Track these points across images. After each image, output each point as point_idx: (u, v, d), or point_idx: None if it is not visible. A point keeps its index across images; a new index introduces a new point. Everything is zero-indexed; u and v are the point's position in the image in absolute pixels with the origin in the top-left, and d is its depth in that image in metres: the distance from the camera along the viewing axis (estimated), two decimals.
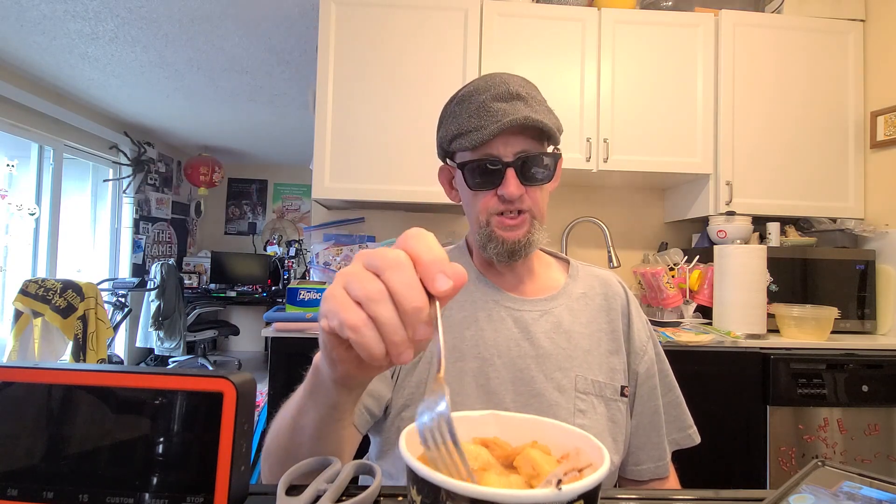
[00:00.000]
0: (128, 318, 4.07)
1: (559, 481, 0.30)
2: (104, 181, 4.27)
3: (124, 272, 4.37)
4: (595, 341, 0.74)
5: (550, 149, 0.73)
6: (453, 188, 0.80)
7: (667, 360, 0.80)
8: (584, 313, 0.76)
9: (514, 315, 0.73)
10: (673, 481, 0.77)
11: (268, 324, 1.65)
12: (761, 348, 1.64)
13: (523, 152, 0.69)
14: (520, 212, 0.71)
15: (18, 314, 2.63)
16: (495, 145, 0.69)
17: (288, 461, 0.49)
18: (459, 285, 0.34)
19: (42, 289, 2.63)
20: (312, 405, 0.48)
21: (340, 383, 0.44)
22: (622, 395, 0.73)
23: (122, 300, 3.97)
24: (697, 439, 0.79)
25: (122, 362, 4.12)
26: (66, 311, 2.65)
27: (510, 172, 0.69)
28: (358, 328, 0.33)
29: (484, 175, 0.70)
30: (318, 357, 0.44)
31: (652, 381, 0.77)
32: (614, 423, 0.71)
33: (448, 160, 0.78)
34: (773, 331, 1.76)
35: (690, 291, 1.97)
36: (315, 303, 1.70)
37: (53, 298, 2.63)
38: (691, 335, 1.65)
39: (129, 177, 4.35)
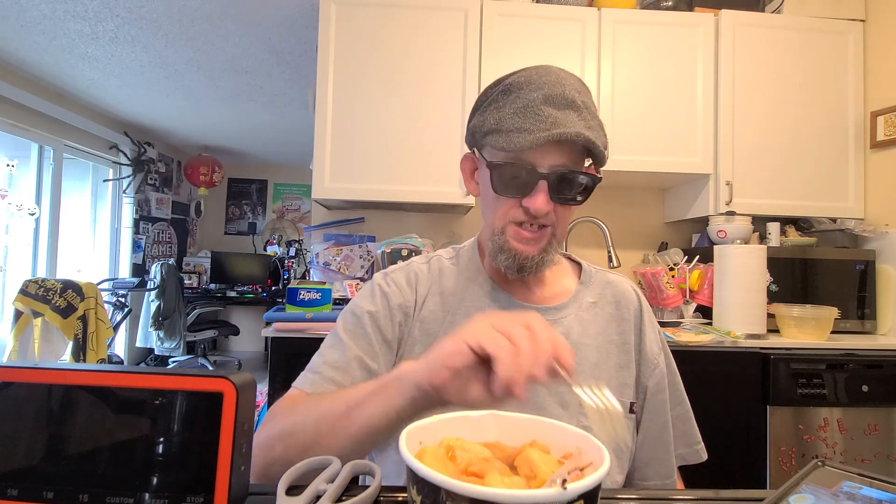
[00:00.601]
0: (128, 318, 4.07)
1: (564, 481, 0.30)
2: (104, 181, 4.27)
3: (124, 272, 4.37)
4: (604, 354, 0.71)
5: (587, 165, 0.68)
6: (473, 180, 0.75)
7: (678, 372, 0.77)
8: (593, 324, 0.73)
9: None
10: None
11: (268, 324, 1.65)
12: (761, 348, 1.64)
13: (561, 167, 0.64)
14: (541, 226, 0.67)
15: (18, 314, 2.63)
16: (533, 153, 0.63)
17: (315, 449, 0.51)
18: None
19: (42, 289, 2.63)
20: (376, 401, 0.50)
21: (420, 388, 0.47)
22: (630, 411, 0.70)
23: (122, 300, 3.97)
24: (705, 456, 0.76)
25: (122, 362, 4.11)
26: (66, 311, 2.65)
27: (542, 186, 0.63)
28: (503, 346, 0.43)
29: (513, 181, 0.65)
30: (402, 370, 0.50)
31: (661, 395, 0.74)
32: (621, 439, 0.68)
33: (476, 151, 0.72)
34: (773, 331, 1.76)
35: (690, 291, 1.97)
36: (315, 303, 1.70)
37: (53, 298, 2.63)
38: (691, 335, 1.65)
39: (129, 177, 4.35)
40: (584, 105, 0.65)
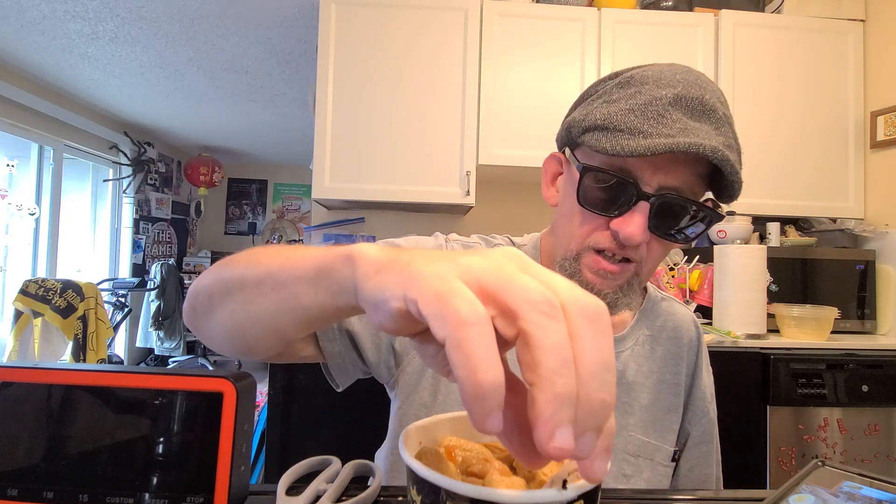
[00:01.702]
0: (128, 318, 4.07)
1: (564, 481, 0.30)
2: (104, 181, 4.27)
3: (124, 272, 4.37)
4: (655, 395, 0.63)
5: (704, 200, 0.54)
6: (554, 186, 0.61)
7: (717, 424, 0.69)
8: (649, 362, 0.64)
9: None
10: None
11: None
12: (761, 348, 1.64)
13: (674, 190, 0.50)
14: (625, 259, 0.53)
15: (18, 314, 2.63)
16: (642, 165, 0.50)
17: (229, 304, 0.42)
18: None
19: (42, 289, 2.63)
20: (313, 286, 0.35)
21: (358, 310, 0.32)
22: (673, 459, 0.63)
23: (122, 300, 3.97)
24: None
25: (122, 362, 4.11)
26: (66, 311, 2.65)
27: (641, 208, 0.50)
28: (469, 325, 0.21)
29: (607, 196, 0.51)
30: (359, 251, 0.31)
31: (707, 446, 0.66)
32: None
33: (567, 151, 0.57)
34: (773, 331, 1.76)
35: (690, 291, 1.97)
36: None
37: (53, 298, 2.63)
38: None
39: (129, 177, 4.35)
40: (725, 119, 0.51)
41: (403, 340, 0.62)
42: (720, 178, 0.50)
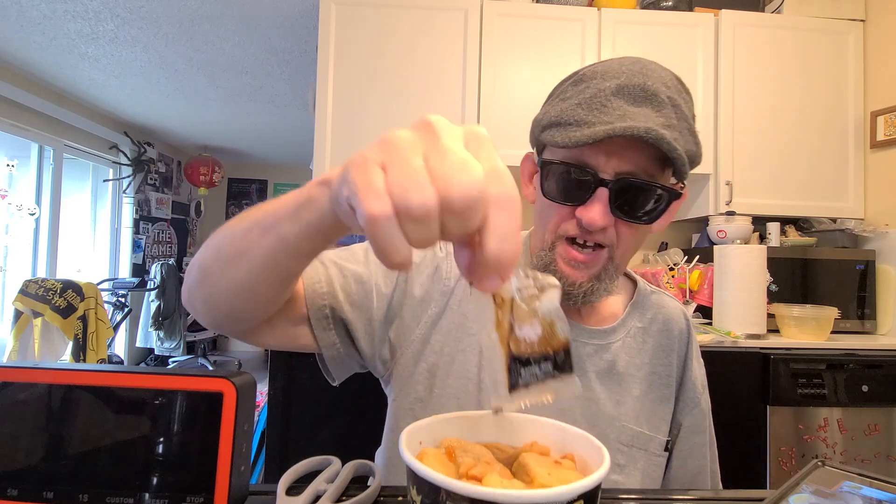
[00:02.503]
0: (128, 318, 4.07)
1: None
2: (104, 181, 4.27)
3: (124, 272, 4.37)
4: (647, 386, 0.64)
5: (673, 183, 0.57)
6: (531, 184, 0.64)
7: (711, 415, 0.71)
8: (640, 353, 0.66)
9: None
10: None
11: None
12: (761, 348, 1.64)
13: (629, 175, 0.53)
14: (597, 246, 0.56)
15: (18, 314, 2.63)
16: (595, 153, 0.53)
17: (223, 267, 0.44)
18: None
19: (42, 289, 2.63)
20: (297, 222, 0.39)
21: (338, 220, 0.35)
22: (665, 448, 0.64)
23: (122, 300, 3.97)
24: None
25: (122, 362, 4.11)
26: (66, 311, 2.65)
27: (601, 194, 0.53)
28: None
29: (567, 186, 0.55)
30: (331, 173, 0.34)
31: (699, 437, 0.67)
32: (651, 479, 0.63)
33: (535, 150, 0.62)
34: (773, 331, 1.76)
35: (690, 291, 1.97)
36: None
37: (53, 298, 2.63)
38: None
39: (129, 177, 4.35)
40: (669, 101, 0.53)
41: (399, 331, 0.63)
42: (671, 153, 0.51)
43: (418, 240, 0.26)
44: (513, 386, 0.32)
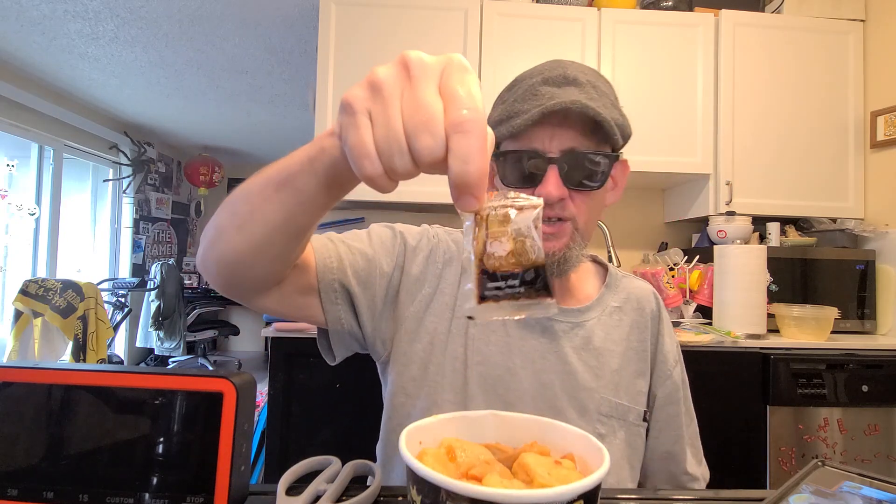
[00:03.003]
0: (128, 318, 4.07)
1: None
2: (104, 181, 4.27)
3: (124, 272, 4.37)
4: (624, 361, 0.69)
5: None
6: (494, 186, 0.70)
7: (689, 386, 0.76)
8: (616, 330, 0.70)
9: (543, 324, 0.68)
10: None
11: (268, 324, 1.65)
12: (761, 348, 1.64)
13: (571, 149, 0.60)
14: (560, 220, 0.62)
15: (18, 314, 2.63)
16: (539, 137, 0.60)
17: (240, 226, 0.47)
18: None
19: (42, 289, 2.63)
20: (312, 174, 0.43)
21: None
22: (644, 419, 0.69)
23: (122, 300, 3.97)
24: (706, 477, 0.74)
25: (122, 362, 4.12)
26: (66, 311, 2.65)
27: (552, 170, 0.59)
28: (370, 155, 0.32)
29: (522, 171, 0.61)
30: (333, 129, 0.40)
31: (673, 407, 0.72)
32: (633, 448, 0.67)
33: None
34: (773, 331, 1.76)
35: (690, 291, 1.97)
36: None
37: (53, 298, 2.63)
38: (691, 335, 1.65)
39: (129, 177, 4.35)
40: (588, 83, 0.61)
41: (398, 310, 0.67)
42: (601, 122, 0.58)
43: (402, 176, 0.32)
44: (482, 298, 0.33)
